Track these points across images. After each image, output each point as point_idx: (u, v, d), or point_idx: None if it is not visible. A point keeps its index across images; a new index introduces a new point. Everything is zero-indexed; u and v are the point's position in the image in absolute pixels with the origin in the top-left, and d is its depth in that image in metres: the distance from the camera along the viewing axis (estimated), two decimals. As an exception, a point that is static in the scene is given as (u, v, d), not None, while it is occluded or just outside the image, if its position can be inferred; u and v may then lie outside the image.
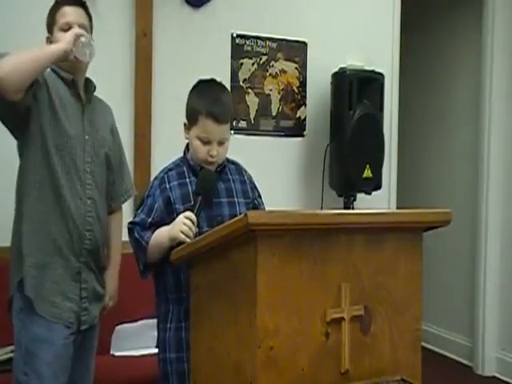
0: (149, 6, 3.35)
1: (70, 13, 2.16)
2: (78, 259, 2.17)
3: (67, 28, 2.12)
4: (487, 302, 4.33)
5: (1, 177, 2.67)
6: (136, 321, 2.86)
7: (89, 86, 2.27)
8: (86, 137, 2.20)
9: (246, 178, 2.20)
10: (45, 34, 2.20)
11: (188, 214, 1.94)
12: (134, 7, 3.28)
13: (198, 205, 1.97)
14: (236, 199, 2.11)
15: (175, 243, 1.92)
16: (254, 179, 2.25)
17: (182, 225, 1.91)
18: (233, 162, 2.20)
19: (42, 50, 2.05)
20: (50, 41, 2.18)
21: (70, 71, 2.17)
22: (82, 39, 2.06)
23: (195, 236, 1.92)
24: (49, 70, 2.13)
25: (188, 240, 1.89)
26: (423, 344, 1.99)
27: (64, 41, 2.05)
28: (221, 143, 2.05)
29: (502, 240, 4.32)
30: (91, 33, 2.23)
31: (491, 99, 4.32)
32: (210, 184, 2.04)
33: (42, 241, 2.11)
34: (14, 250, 2.16)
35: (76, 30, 2.10)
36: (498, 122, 4.31)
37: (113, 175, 2.35)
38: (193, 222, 1.92)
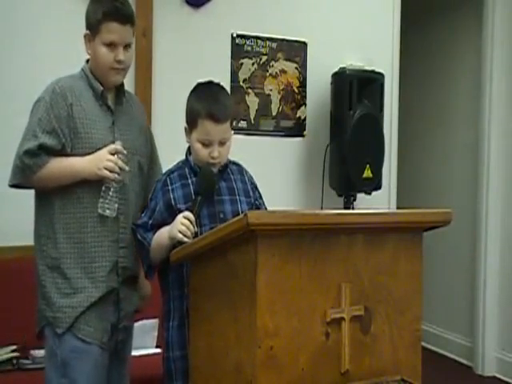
0: (149, 5, 3.35)
1: (117, 31, 2.06)
2: (117, 279, 2.13)
3: (111, 45, 2.05)
4: (487, 301, 4.33)
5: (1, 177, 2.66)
6: (136, 321, 2.86)
7: (121, 88, 2.17)
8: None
9: (246, 178, 2.21)
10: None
11: (186, 213, 1.95)
12: (133, 7, 3.26)
13: (197, 204, 1.98)
14: (238, 197, 2.12)
15: (175, 242, 1.94)
16: (254, 179, 2.25)
17: (180, 224, 1.92)
18: (234, 163, 2.21)
19: (75, 167, 2.02)
20: (88, 40, 2.09)
21: (101, 82, 2.10)
22: (110, 193, 2.02)
23: (195, 235, 1.93)
24: (80, 76, 2.11)
25: (186, 239, 1.90)
26: (423, 344, 1.99)
27: (102, 171, 2.00)
28: (222, 143, 2.05)
29: (502, 240, 4.32)
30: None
31: (491, 99, 4.32)
32: (209, 182, 2.04)
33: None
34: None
35: (116, 168, 2.00)
36: (498, 122, 4.31)
37: (144, 180, 2.26)
38: (191, 222, 1.93)
